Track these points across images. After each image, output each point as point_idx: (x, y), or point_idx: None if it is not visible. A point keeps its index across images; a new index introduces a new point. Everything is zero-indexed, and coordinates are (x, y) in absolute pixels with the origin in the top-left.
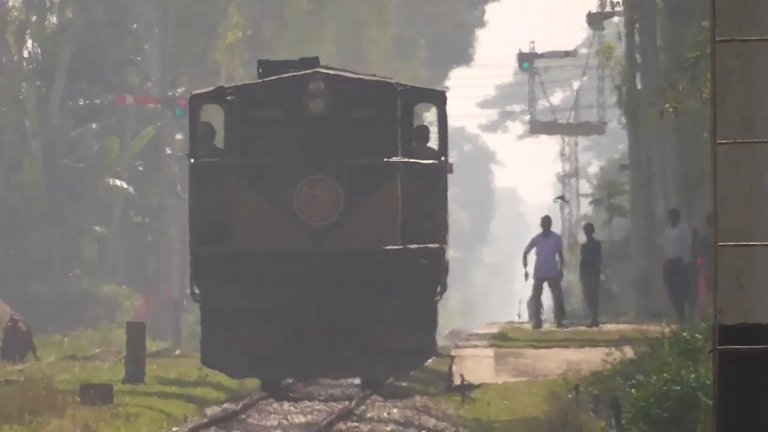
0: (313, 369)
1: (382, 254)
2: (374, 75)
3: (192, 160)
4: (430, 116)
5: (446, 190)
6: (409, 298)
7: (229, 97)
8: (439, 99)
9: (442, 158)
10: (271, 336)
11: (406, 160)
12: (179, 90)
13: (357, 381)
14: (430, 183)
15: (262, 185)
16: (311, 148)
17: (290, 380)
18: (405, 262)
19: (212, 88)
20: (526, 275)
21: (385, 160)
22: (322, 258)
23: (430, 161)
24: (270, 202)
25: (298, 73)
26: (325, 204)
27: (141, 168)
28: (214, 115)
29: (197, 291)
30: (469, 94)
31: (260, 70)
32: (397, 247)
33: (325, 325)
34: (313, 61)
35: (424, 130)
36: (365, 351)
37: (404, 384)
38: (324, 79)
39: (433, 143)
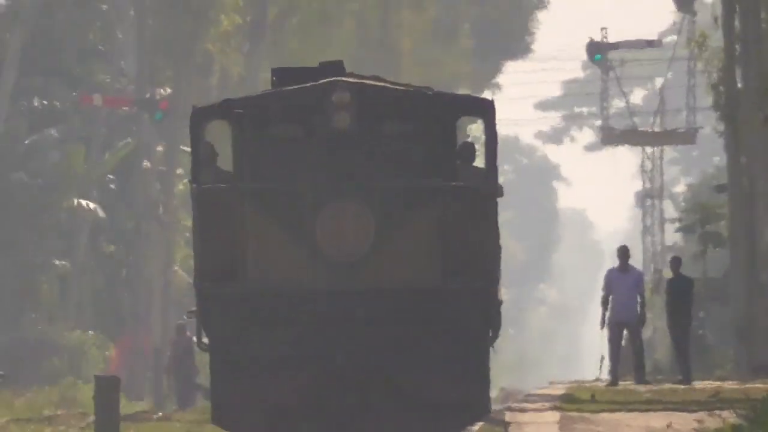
0: (342, 428)
1: (421, 293)
2: (408, 84)
3: (195, 186)
4: (475, 128)
5: (496, 218)
6: (455, 343)
7: (238, 111)
8: (486, 110)
9: (491, 180)
10: (294, 388)
11: (447, 183)
12: (160, 90)
13: None
14: (476, 209)
15: (278, 213)
16: (336, 170)
17: None
18: (449, 302)
19: (218, 101)
20: (603, 322)
21: (423, 182)
22: (350, 297)
23: (476, 184)
24: (288, 232)
25: (319, 83)
26: (352, 234)
27: (113, 186)
28: (215, 133)
29: (204, 338)
30: (526, 94)
31: (274, 79)
32: (438, 285)
33: (355, 374)
34: (337, 67)
35: (470, 148)
36: (403, 405)
37: None
38: (350, 88)
39: (479, 161)
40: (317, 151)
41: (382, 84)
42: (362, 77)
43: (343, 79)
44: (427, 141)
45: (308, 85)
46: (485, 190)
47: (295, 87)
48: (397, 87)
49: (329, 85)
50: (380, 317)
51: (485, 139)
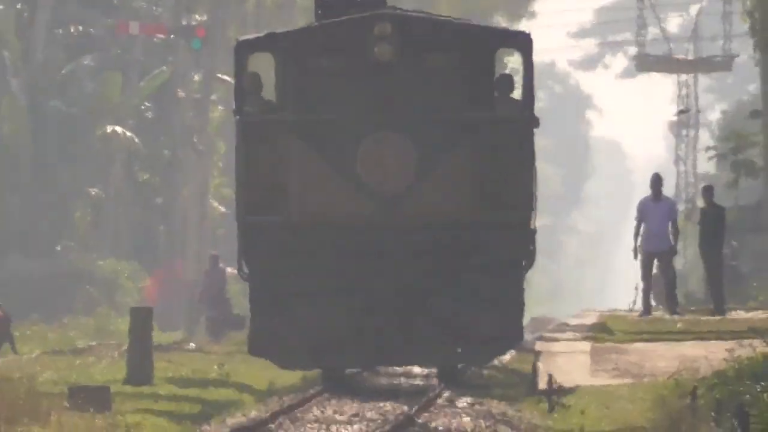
0: (383, 357)
1: (461, 225)
2: (449, 16)
3: (238, 117)
4: (513, 60)
5: (533, 150)
6: (492, 274)
7: (282, 44)
8: (524, 44)
9: (528, 112)
10: (335, 319)
11: (487, 114)
12: (197, 17)
13: (429, 370)
14: (514, 141)
15: (321, 144)
16: (378, 101)
17: (355, 370)
18: (487, 234)
19: (262, 33)
20: (636, 252)
21: (463, 114)
22: (391, 230)
23: (513, 115)
24: (331, 163)
25: (361, 15)
26: (394, 166)
27: (149, 114)
28: (260, 65)
29: (245, 268)
30: (559, 22)
31: (318, 12)
32: (475, 216)
33: (396, 305)
34: (380, 1)
35: (508, 80)
36: (442, 334)
37: (485, 372)
38: (392, 20)
39: (516, 92)
40: (359, 83)
41: (423, 16)
42: (404, 10)
43: (385, 11)
44: (466, 73)
45: (351, 17)
46: (523, 121)
47: (338, 19)
48: (438, 19)
49: (371, 18)
50: (420, 249)
51: (523, 71)
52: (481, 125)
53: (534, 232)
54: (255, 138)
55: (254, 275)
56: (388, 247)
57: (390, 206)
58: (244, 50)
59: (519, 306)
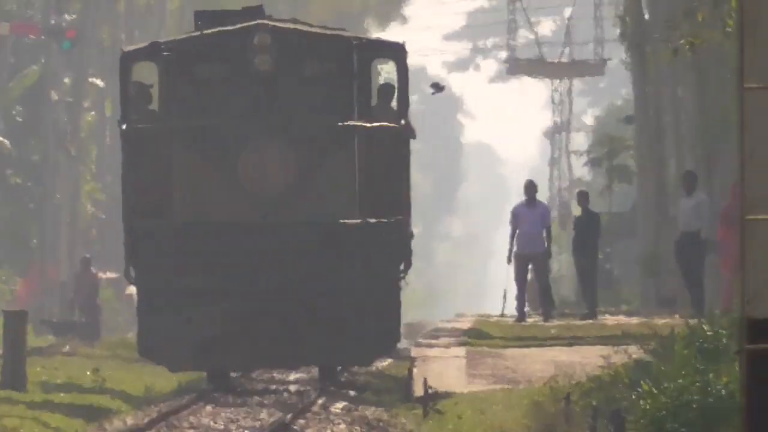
0: (265, 359)
1: (338, 227)
2: (325, 26)
3: (124, 126)
4: (386, 69)
5: (408, 156)
6: (369, 276)
7: (165, 53)
8: (398, 54)
9: (403, 120)
10: (218, 321)
11: (363, 123)
12: (67, 16)
13: (310, 373)
14: (390, 148)
15: (203, 150)
16: (258, 109)
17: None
18: (363, 236)
19: (146, 43)
20: (510, 257)
21: (341, 122)
22: (271, 231)
23: (390, 123)
24: (212, 168)
25: (241, 26)
26: (273, 171)
27: (20, 118)
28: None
29: (132, 272)
30: (432, 24)
31: (198, 23)
32: (354, 219)
33: (277, 307)
34: (258, 11)
35: (388, 89)
36: (323, 336)
37: (373, 369)
38: (271, 31)
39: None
40: (240, 91)
41: (301, 28)
42: (281, 20)
43: (265, 22)
44: (343, 82)
45: (231, 28)
46: (398, 129)
47: (218, 30)
48: (315, 31)
49: (251, 29)
50: (300, 250)
51: (397, 80)
52: (357, 131)
53: (411, 235)
54: (139, 145)
55: (141, 278)
56: (268, 249)
57: (269, 209)
58: (128, 60)
59: (397, 307)
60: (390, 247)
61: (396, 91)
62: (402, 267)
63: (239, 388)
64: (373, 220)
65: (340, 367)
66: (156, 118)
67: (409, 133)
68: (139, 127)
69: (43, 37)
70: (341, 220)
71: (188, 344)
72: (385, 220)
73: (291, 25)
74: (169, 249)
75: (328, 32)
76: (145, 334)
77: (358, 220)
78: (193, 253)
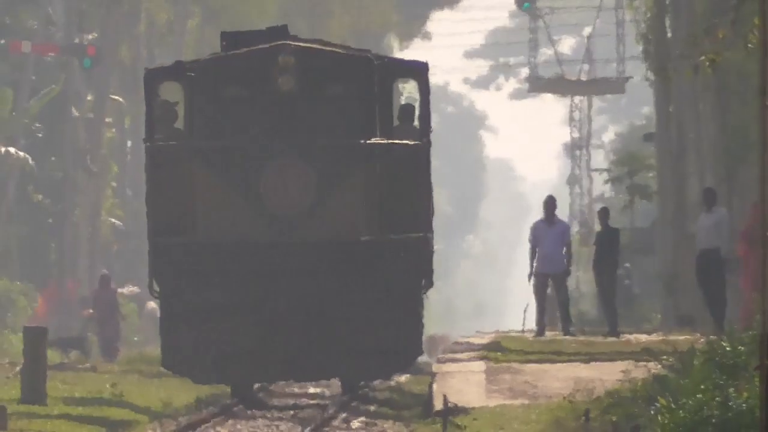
0: (287, 371)
1: (359, 245)
2: (349, 47)
3: (148, 144)
4: (408, 88)
5: (429, 174)
6: (391, 292)
7: (189, 73)
8: (420, 73)
9: (425, 139)
10: (240, 335)
11: (384, 141)
12: (89, 36)
13: (331, 389)
14: (411, 166)
15: (226, 169)
16: (280, 128)
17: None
18: (384, 253)
19: (170, 63)
20: (530, 275)
21: (362, 141)
22: (292, 249)
23: (411, 142)
24: (235, 187)
25: (265, 46)
26: (295, 189)
27: (40, 135)
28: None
29: (156, 287)
30: (453, 43)
31: (223, 43)
32: (375, 237)
33: (298, 322)
34: (282, 31)
35: (410, 109)
36: (343, 350)
37: (391, 383)
38: (294, 52)
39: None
40: (263, 111)
41: (324, 48)
42: (306, 41)
43: (288, 42)
44: (365, 102)
45: (255, 48)
46: (420, 147)
47: (243, 50)
48: (338, 51)
49: (275, 49)
50: (321, 267)
51: (419, 98)
52: (378, 150)
53: (432, 252)
54: (163, 163)
55: (164, 293)
56: (289, 266)
57: (291, 227)
58: (152, 78)
59: (418, 323)
60: (411, 263)
61: (417, 110)
62: (423, 283)
63: (260, 403)
64: (393, 237)
65: (362, 382)
66: (180, 137)
67: (430, 150)
68: (163, 145)
69: (64, 56)
70: (361, 238)
71: (211, 357)
72: (406, 237)
73: (314, 46)
74: (193, 266)
75: (351, 52)
76: (169, 348)
77: (378, 237)
78: (216, 270)
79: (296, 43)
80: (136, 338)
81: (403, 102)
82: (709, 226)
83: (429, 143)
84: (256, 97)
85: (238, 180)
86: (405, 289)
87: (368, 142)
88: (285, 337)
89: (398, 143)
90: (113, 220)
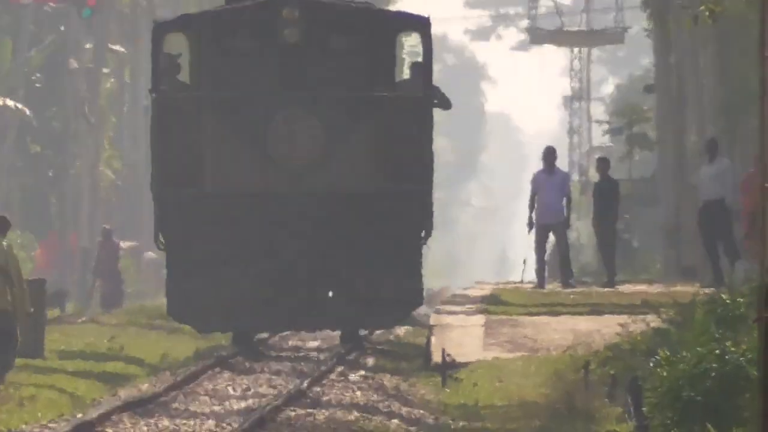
0: (291, 321)
1: (361, 195)
2: (352, 1)
3: (154, 95)
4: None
5: (432, 127)
6: (393, 242)
7: (195, 26)
8: (423, 27)
9: (427, 91)
10: (245, 285)
11: (389, 93)
12: None
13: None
14: (413, 118)
15: (233, 121)
16: (286, 81)
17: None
18: (385, 204)
19: (176, 16)
20: (530, 225)
21: (367, 93)
22: (299, 200)
23: (414, 95)
24: (242, 139)
25: None
26: (302, 141)
27: (39, 85)
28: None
29: (162, 239)
30: None
31: None
32: (379, 188)
33: (303, 272)
34: None
35: (420, 67)
36: (345, 300)
37: (390, 336)
38: (298, 4)
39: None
40: (269, 63)
41: (328, 1)
42: None
43: None
44: (369, 54)
45: (260, 1)
46: (422, 100)
47: (248, 3)
48: (342, 4)
49: (279, 2)
50: (325, 218)
51: (422, 52)
52: (382, 103)
53: (432, 204)
54: (169, 115)
55: (169, 244)
56: (295, 217)
57: (297, 178)
58: (159, 31)
59: (418, 273)
60: (411, 214)
61: (422, 68)
62: (423, 234)
63: (259, 355)
64: (394, 188)
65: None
66: (186, 89)
67: (431, 103)
68: (170, 96)
69: (62, 4)
70: (363, 189)
71: (215, 307)
72: (407, 188)
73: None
74: (199, 217)
75: (355, 6)
76: (174, 297)
77: (380, 188)
78: (222, 221)
79: None
80: (130, 290)
81: (405, 55)
82: (711, 177)
83: (431, 96)
84: (262, 49)
85: (246, 131)
86: (408, 239)
87: (373, 94)
88: (290, 287)
89: (402, 95)
90: (110, 173)
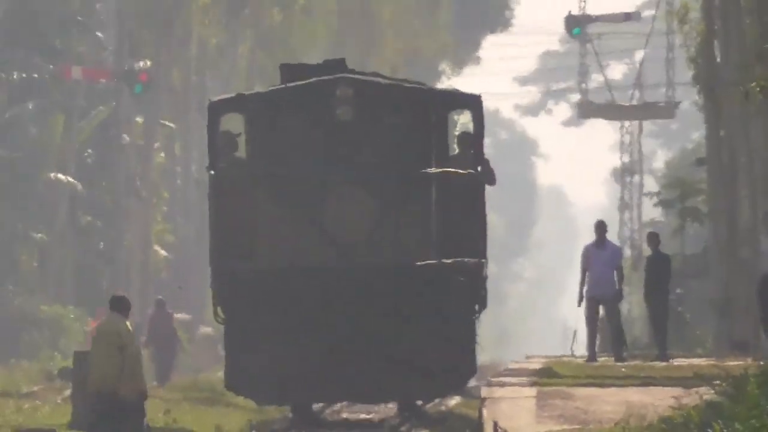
0: (345, 393)
1: (416, 270)
2: (405, 79)
3: (212, 172)
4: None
5: (484, 201)
6: (445, 315)
7: (251, 105)
8: (475, 104)
9: (480, 167)
10: (301, 358)
11: (440, 170)
12: (140, 62)
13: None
14: (466, 194)
15: (288, 196)
16: (340, 157)
17: (321, 404)
18: (440, 278)
19: (232, 94)
20: (580, 298)
21: (418, 170)
22: (352, 274)
23: (466, 171)
24: (297, 214)
25: (324, 78)
26: (355, 216)
27: (90, 160)
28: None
29: (221, 313)
30: (505, 69)
31: (283, 75)
32: (431, 262)
33: (358, 344)
34: (339, 64)
35: (467, 138)
36: (400, 372)
37: (443, 408)
38: (352, 84)
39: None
40: (323, 141)
41: (381, 80)
42: (363, 74)
43: (347, 75)
44: (421, 132)
45: (315, 80)
46: (474, 176)
47: (303, 82)
48: (395, 83)
49: (333, 81)
50: (379, 291)
51: (473, 129)
52: (434, 179)
53: (485, 278)
54: (227, 191)
55: (227, 317)
56: (351, 290)
57: (351, 253)
58: (215, 110)
59: (472, 343)
60: (465, 287)
61: (471, 138)
62: (477, 308)
63: (318, 423)
64: (448, 262)
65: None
66: (242, 166)
67: (485, 178)
68: (227, 172)
69: (114, 81)
70: (418, 262)
71: (273, 380)
72: (462, 262)
73: (372, 78)
74: (255, 291)
75: (407, 84)
76: (233, 371)
77: (435, 262)
78: (277, 295)
79: (354, 76)
80: (184, 363)
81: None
82: None
83: (488, 170)
84: (316, 127)
85: (300, 207)
86: (461, 312)
87: (425, 170)
88: (346, 359)
89: (454, 171)
90: (158, 248)
